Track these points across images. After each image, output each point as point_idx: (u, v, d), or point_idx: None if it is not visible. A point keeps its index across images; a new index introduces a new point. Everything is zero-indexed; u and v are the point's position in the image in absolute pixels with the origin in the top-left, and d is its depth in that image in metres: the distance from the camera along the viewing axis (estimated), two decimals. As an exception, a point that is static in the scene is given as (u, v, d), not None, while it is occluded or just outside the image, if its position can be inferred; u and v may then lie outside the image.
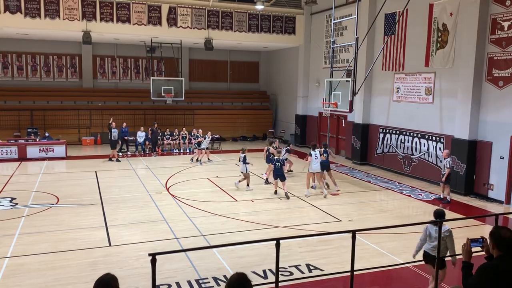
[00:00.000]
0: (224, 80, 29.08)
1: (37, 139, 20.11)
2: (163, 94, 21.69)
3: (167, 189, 14.25)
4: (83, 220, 10.91)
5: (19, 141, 19.64)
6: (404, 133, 17.31)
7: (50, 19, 19.33)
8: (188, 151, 22.16)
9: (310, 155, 13.59)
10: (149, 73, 25.37)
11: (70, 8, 19.62)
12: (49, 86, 24.84)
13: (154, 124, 21.81)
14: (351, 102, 15.12)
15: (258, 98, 29.23)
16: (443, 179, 13.30)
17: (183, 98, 22.26)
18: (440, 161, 15.44)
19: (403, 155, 17.25)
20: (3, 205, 12.02)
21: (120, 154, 20.17)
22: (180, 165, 18.53)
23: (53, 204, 12.24)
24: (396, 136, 17.75)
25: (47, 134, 21.03)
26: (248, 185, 14.33)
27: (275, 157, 13.80)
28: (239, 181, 14.43)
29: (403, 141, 17.39)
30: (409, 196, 14.12)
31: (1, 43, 23.69)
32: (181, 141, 22.36)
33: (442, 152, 14.76)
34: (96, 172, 16.60)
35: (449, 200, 13.34)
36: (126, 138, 20.96)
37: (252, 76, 29.74)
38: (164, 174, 16.55)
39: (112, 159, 19.03)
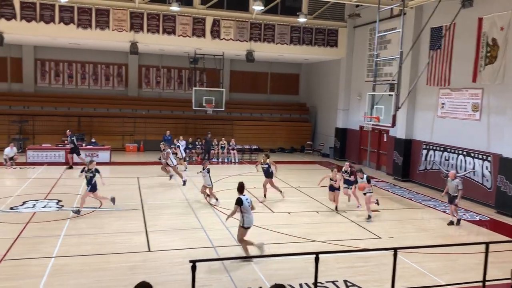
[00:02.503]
0: (264, 92, 29.28)
1: (84, 145, 20.92)
2: (204, 104, 22.12)
3: (206, 198, 14.42)
4: (124, 225, 11.21)
5: (67, 146, 20.50)
6: (449, 150, 16.74)
7: (100, 30, 20.19)
8: (226, 160, 22.41)
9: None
10: (191, 84, 25.92)
11: (119, 20, 20.43)
12: (97, 93, 25.87)
13: (208, 133, 22.45)
14: (394, 117, 14.80)
15: (297, 110, 29.20)
16: (457, 202, 12.31)
17: (223, 109, 22.61)
18: (487, 180, 14.80)
19: (447, 172, 16.65)
20: (50, 207, 12.57)
21: (163, 161, 20.62)
22: (219, 174, 18.71)
23: (96, 208, 12.67)
24: (440, 153, 17.20)
25: (93, 140, 21.86)
26: (214, 198, 13.67)
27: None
28: (209, 197, 13.83)
29: (447, 158, 16.82)
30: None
31: (55, 52, 24.96)
32: (220, 151, 22.63)
33: (450, 173, 12.94)
34: (138, 178, 17.06)
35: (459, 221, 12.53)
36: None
37: (292, 88, 29.78)
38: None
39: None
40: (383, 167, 21.43)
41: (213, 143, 22.70)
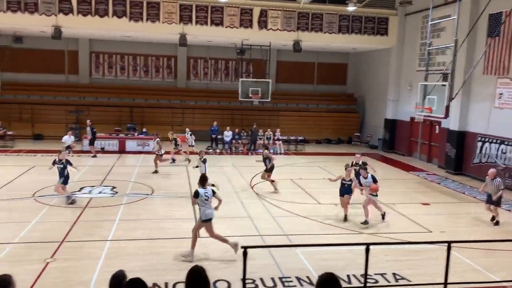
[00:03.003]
0: (311, 82, 29.01)
1: (135, 134, 21.72)
2: (250, 95, 22.25)
3: (252, 187, 14.59)
4: (174, 212, 11.59)
5: (120, 135, 21.38)
6: (506, 142, 15.92)
7: (151, 22, 20.75)
8: (272, 151, 22.48)
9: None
10: (238, 75, 26.14)
11: (169, 12, 20.89)
12: (147, 85, 26.69)
13: (253, 124, 22.70)
14: (447, 108, 14.25)
15: (344, 101, 28.74)
16: (495, 199, 11.14)
17: (269, 99, 22.65)
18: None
19: (504, 166, 15.87)
20: (105, 193, 13.20)
21: (211, 150, 21.12)
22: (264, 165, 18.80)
23: (148, 195, 13.16)
24: (497, 145, 16.39)
25: (144, 130, 22.60)
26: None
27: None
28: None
29: (504, 151, 16.01)
30: (509, 211, 12.97)
31: (108, 45, 25.95)
32: (266, 141, 22.72)
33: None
34: (186, 167, 17.50)
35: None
36: (215, 136, 21.85)
37: (339, 78, 29.31)
38: (249, 172, 16.95)
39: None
40: (434, 160, 20.72)
41: (258, 134, 22.84)
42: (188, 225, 10.50)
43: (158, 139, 17.00)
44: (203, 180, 8.66)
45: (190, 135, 20.33)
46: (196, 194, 8.45)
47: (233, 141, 22.28)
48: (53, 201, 12.11)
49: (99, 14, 20.33)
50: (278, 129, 23.25)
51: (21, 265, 7.62)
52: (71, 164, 12.01)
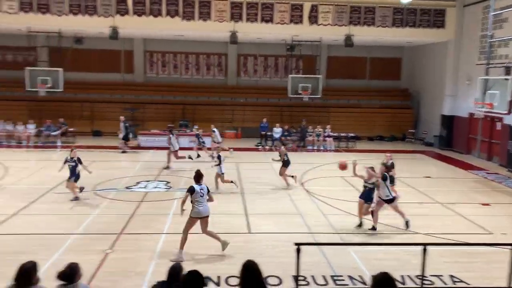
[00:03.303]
0: (362, 77, 28.36)
1: (187, 131, 22.24)
2: (300, 92, 22.14)
3: (302, 184, 14.52)
4: (225, 207, 11.75)
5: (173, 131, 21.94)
6: None
7: (202, 21, 21.14)
8: (322, 148, 22.26)
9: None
10: (287, 71, 26.06)
11: (220, 10, 21.18)
12: (198, 82, 27.24)
13: (303, 121, 22.59)
14: (511, 103, 13.45)
15: (398, 96, 27.86)
16: None
17: (319, 96, 22.42)
18: None
19: None
20: (160, 188, 13.65)
21: (260, 147, 21.21)
22: (313, 162, 18.68)
23: (200, 190, 13.42)
24: None
25: (196, 127, 23.04)
26: (216, 186, 13.29)
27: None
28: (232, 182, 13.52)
29: None
30: None
31: (161, 44, 26.72)
32: (315, 138, 22.51)
33: None
34: (236, 163, 17.70)
35: None
36: (264, 133, 21.95)
37: (392, 73, 28.43)
38: (299, 169, 16.86)
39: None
40: (495, 158, 19.64)
41: (308, 130, 22.66)
42: (239, 220, 10.68)
43: (174, 135, 17.34)
44: (198, 177, 8.51)
45: (216, 131, 20.50)
46: (192, 190, 8.29)
47: (283, 137, 22.25)
48: (111, 195, 12.67)
49: (153, 14, 20.98)
50: (328, 126, 22.96)
51: (83, 255, 8.04)
52: (81, 162, 12.12)
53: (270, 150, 21.54)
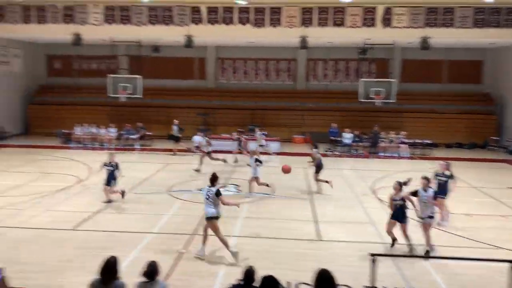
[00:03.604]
0: (439, 81, 26.94)
1: (256, 135, 22.48)
2: (371, 96, 21.55)
3: (374, 192, 14.09)
4: (294, 213, 11.73)
5: (243, 136, 22.31)
6: None
7: (273, 27, 21.33)
8: (396, 155, 21.45)
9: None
10: (358, 75, 25.50)
11: (290, 16, 21.26)
12: (268, 88, 27.50)
13: (375, 126, 22.02)
14: None
15: (479, 101, 26.11)
16: None
17: (393, 100, 21.67)
18: None
19: None
20: (231, 191, 13.93)
21: (329, 153, 20.97)
22: (386, 169, 18.05)
23: (268, 194, 13.53)
24: None
25: (264, 132, 23.25)
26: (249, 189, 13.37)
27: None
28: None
29: None
30: None
31: (233, 51, 27.37)
32: (388, 144, 21.74)
33: None
34: (305, 169, 17.57)
35: None
36: (334, 138, 21.63)
37: (473, 76, 26.72)
38: (370, 176, 16.41)
39: None
40: None
41: (380, 136, 21.95)
42: (310, 227, 10.59)
43: (206, 138, 17.51)
44: (213, 179, 8.57)
45: (261, 134, 20.37)
46: (218, 193, 8.46)
47: (353, 143, 21.77)
48: (184, 196, 13.16)
49: (225, 22, 21.56)
50: (402, 132, 22.08)
51: (158, 253, 8.42)
52: (118, 168, 12.28)
53: (340, 156, 21.18)
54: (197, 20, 21.68)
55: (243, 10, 21.37)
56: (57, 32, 22.20)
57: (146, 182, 14.92)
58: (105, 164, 12.29)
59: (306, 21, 21.17)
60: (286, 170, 11.21)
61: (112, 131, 23.08)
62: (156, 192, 13.57)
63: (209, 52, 27.73)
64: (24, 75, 27.06)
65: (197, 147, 20.60)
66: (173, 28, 21.80)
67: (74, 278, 7.63)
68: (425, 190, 8.94)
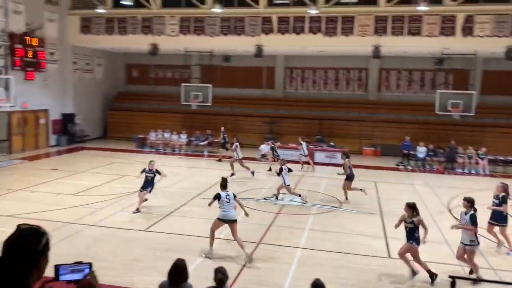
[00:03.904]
0: (525, 94, 24.89)
1: (324, 146, 22.15)
2: (449, 108, 20.37)
3: (450, 211, 13.21)
4: (363, 227, 11.29)
5: (309, 146, 22.07)
6: None
7: (344, 36, 20.98)
8: (474, 171, 20.02)
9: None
10: (435, 86, 24.26)
11: (363, 25, 20.78)
12: (337, 98, 27.00)
13: (451, 140, 20.82)
14: None
15: None
16: None
17: (472, 113, 20.31)
18: None
19: None
20: (296, 201, 13.73)
21: (401, 167, 20.03)
22: (464, 186, 16.89)
23: (336, 207, 13.18)
24: None
25: (332, 143, 22.83)
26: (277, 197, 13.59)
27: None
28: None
29: None
30: None
31: (301, 60, 27.26)
32: (467, 161, 20.36)
33: None
34: (375, 182, 16.96)
35: None
36: (407, 151, 20.69)
37: None
38: (446, 194, 15.43)
39: None
40: None
41: (458, 152, 20.61)
42: (378, 243, 10.12)
43: (237, 143, 17.85)
44: (224, 184, 9.13)
45: (272, 148, 19.74)
46: (217, 197, 8.92)
47: (427, 158, 20.64)
48: (250, 204, 13.19)
49: (295, 32, 21.56)
50: (483, 148, 20.56)
51: (224, 260, 8.45)
52: (159, 174, 12.32)
53: (413, 170, 20.18)
54: (267, 30, 21.90)
55: (315, 19, 21.25)
56: (136, 42, 23.52)
57: (215, 188, 15.11)
58: (145, 171, 12.34)
59: (379, 30, 20.58)
60: None
61: (183, 137, 23.87)
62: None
63: (278, 62, 27.85)
64: (105, 83, 28.92)
65: (263, 156, 20.70)
66: (244, 38, 22.19)
67: (143, 277, 7.86)
68: (466, 213, 8.30)
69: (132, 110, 28.23)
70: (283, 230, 10.77)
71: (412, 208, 8.29)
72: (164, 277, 5.02)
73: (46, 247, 2.23)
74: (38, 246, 2.20)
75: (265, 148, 20.31)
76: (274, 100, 27.79)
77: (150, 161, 12.52)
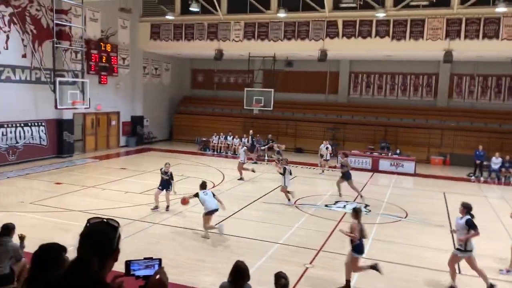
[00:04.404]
0: None
1: (389, 154, 21.37)
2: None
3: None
4: (430, 240, 10.71)
5: (373, 153, 21.42)
6: None
7: (413, 40, 20.14)
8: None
9: None
10: (512, 93, 22.63)
11: (434, 28, 19.83)
12: (404, 104, 25.98)
13: None
14: None
15: None
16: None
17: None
18: None
19: None
20: (365, 211, 13.28)
21: (473, 178, 18.85)
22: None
23: (401, 218, 12.62)
24: None
25: (398, 151, 21.99)
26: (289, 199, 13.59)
27: None
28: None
29: None
30: None
31: (367, 65, 26.57)
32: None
33: None
34: (444, 193, 16.05)
35: None
36: (480, 162, 19.41)
37: None
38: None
39: None
40: None
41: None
42: (447, 257, 9.50)
43: (245, 147, 18.76)
44: (203, 186, 10.58)
45: (327, 148, 19.52)
46: (196, 195, 10.33)
47: (503, 169, 19.21)
48: (311, 210, 12.98)
49: (362, 36, 21.04)
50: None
51: (284, 264, 8.35)
52: (173, 178, 12.47)
53: (486, 182, 18.89)
54: (332, 34, 21.57)
55: (382, 23, 20.62)
56: (202, 48, 24.16)
57: (275, 192, 15.09)
58: (161, 172, 12.51)
59: (451, 33, 19.54)
60: (184, 203, 10.64)
61: (244, 141, 24.10)
62: (284, 203, 13.59)
63: (342, 66, 27.36)
64: (172, 87, 30.02)
65: (327, 160, 20.34)
66: (308, 43, 22.01)
67: (204, 277, 7.97)
68: (460, 218, 7.98)
69: (197, 113, 29.02)
70: (344, 238, 10.41)
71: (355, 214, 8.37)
72: (224, 278, 5.03)
73: (119, 240, 2.30)
74: (114, 238, 2.26)
75: (323, 147, 20.08)
76: (337, 105, 27.31)
77: (166, 163, 12.68)
